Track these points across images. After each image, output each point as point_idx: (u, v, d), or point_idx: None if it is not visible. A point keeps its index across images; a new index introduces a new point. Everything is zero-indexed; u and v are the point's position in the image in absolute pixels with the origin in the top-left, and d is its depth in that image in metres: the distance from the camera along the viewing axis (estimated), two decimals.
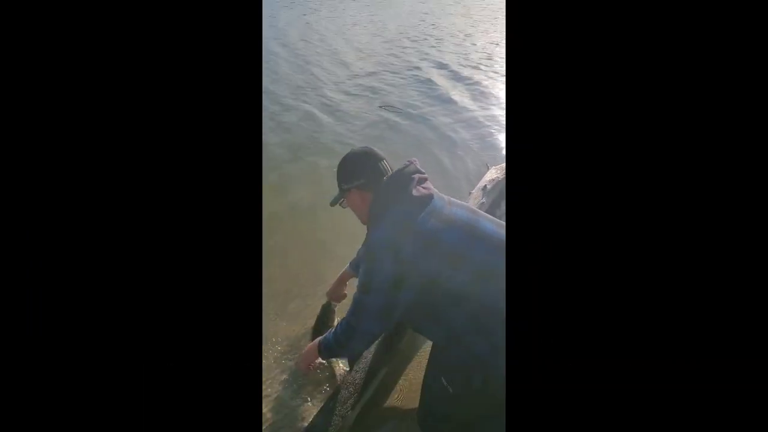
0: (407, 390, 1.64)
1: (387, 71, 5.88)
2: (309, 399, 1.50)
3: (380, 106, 4.57)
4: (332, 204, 1.40)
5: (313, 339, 1.57)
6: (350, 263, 1.69)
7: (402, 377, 1.70)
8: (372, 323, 1.26)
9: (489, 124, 4.27)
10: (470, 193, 2.55)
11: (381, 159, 1.35)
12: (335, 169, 1.35)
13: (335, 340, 1.34)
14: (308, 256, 2.36)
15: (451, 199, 1.37)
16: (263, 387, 1.55)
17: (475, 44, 7.43)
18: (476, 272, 1.19)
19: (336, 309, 1.75)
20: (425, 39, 7.83)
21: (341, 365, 1.56)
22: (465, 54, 6.79)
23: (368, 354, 1.57)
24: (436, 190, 1.36)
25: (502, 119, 4.24)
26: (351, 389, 1.46)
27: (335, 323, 1.61)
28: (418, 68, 6.01)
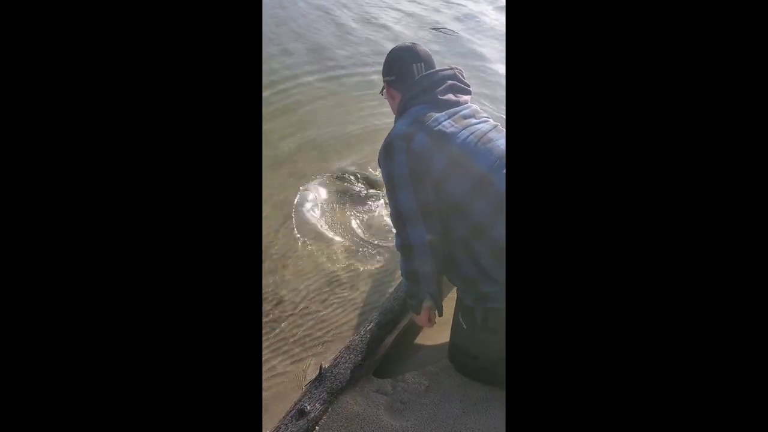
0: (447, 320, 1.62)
1: None
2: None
3: (432, 28, 4.19)
4: (380, 93, 1.41)
5: None
6: None
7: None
8: (416, 224, 1.16)
9: None
10: None
11: (418, 60, 1.29)
12: None
13: (405, 275, 1.25)
14: None
15: (489, 118, 1.27)
16: None
17: None
18: (474, 183, 1.14)
19: None
20: None
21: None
22: None
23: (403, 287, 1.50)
24: (472, 104, 1.27)
25: None
26: (390, 315, 1.48)
27: None
28: None
